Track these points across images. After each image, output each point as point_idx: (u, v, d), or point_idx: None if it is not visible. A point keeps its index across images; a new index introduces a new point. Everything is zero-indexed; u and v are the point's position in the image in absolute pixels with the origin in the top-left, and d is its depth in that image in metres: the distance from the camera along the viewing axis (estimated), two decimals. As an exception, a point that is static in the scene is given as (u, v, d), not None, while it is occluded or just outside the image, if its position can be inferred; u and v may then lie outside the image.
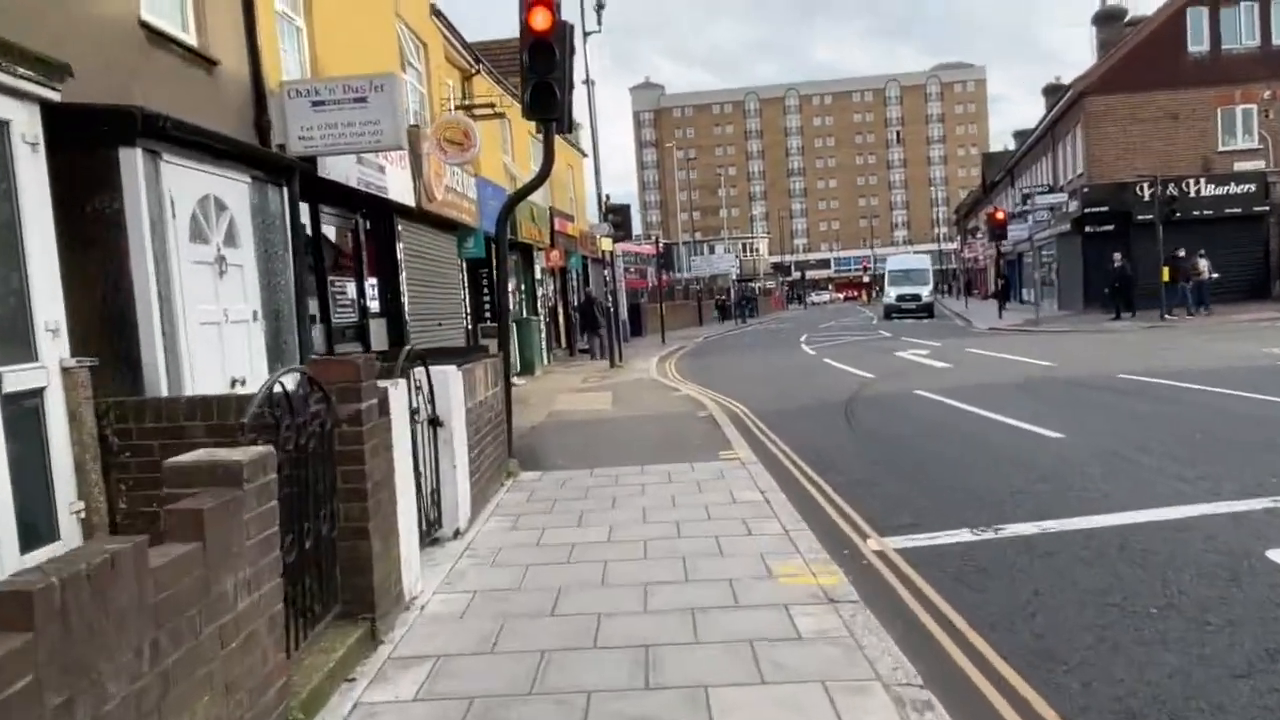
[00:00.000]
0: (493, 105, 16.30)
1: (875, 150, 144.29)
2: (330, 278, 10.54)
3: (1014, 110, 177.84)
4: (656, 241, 36.60)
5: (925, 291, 42.70)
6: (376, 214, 12.19)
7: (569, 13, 9.35)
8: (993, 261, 62.02)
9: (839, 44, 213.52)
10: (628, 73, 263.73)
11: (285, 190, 6.95)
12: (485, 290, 19.03)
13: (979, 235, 69.04)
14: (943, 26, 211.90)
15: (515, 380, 18.36)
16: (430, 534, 6.04)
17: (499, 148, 20.56)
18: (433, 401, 6.13)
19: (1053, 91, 49.71)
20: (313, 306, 10.07)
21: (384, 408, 4.67)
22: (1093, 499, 6.70)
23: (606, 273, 22.80)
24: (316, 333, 10.13)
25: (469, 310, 17.87)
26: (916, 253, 66.16)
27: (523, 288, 22.27)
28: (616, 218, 23.30)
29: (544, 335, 23.01)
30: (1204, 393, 11.47)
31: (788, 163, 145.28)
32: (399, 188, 11.92)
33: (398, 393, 4.94)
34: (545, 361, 22.88)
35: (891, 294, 43.01)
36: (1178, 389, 11.98)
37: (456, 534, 6.32)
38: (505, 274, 9.62)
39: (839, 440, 10.10)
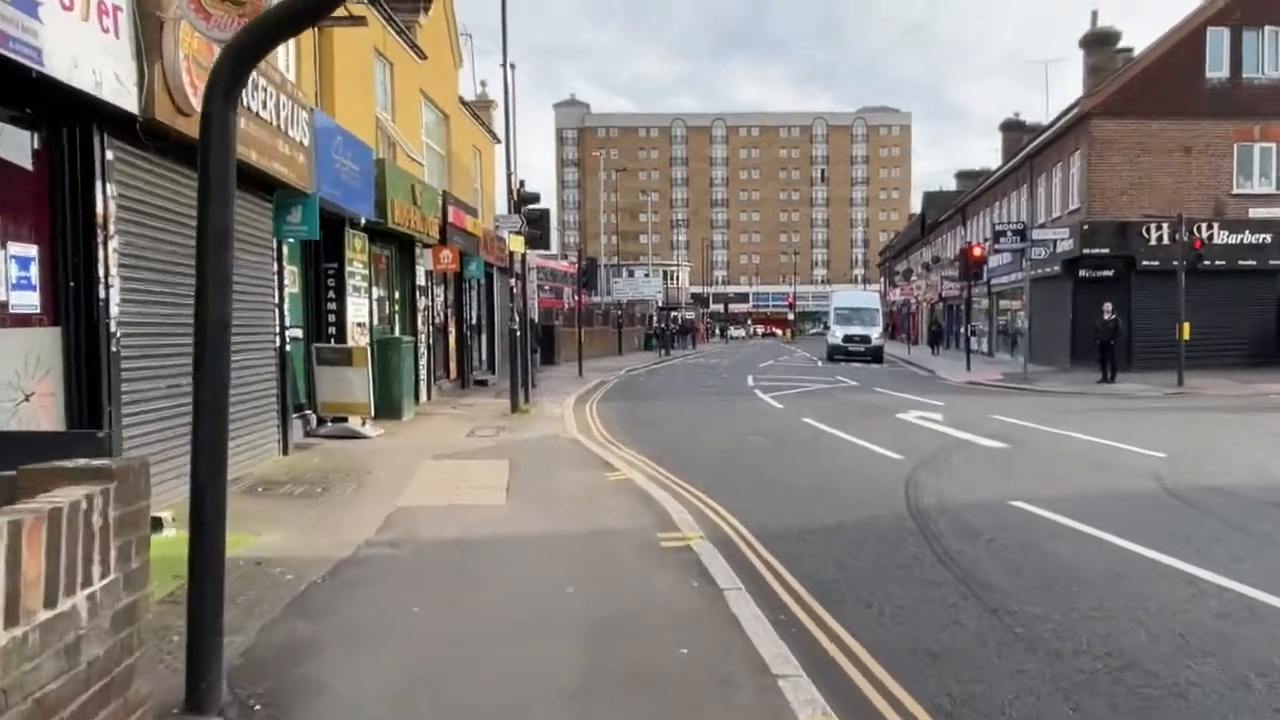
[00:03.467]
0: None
1: (799, 187, 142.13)
2: None
3: (920, 164, 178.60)
4: (579, 256, 30.84)
5: (875, 333, 37.97)
6: (47, 118, 6.12)
7: None
8: (928, 306, 58.51)
9: (760, 86, 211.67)
10: (549, 94, 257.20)
11: None
12: (330, 293, 12.92)
13: (912, 278, 65.70)
14: (858, 79, 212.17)
15: (366, 432, 12.29)
16: None
17: (370, 95, 14.56)
18: None
19: (1012, 128, 46.42)
20: None
21: None
22: None
23: (514, 284, 16.94)
24: None
25: (297, 322, 11.77)
26: (853, 291, 62.19)
27: (398, 296, 16.21)
28: (532, 211, 17.50)
29: (424, 363, 16.96)
30: None
31: (711, 193, 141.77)
32: (85, 63, 5.88)
33: None
34: (425, 397, 16.83)
35: (838, 334, 38.14)
36: None
37: None
38: (223, 236, 3.65)
39: (1043, 693, 4.47)
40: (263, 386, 9.82)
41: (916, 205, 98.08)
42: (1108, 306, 23.31)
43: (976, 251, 29.27)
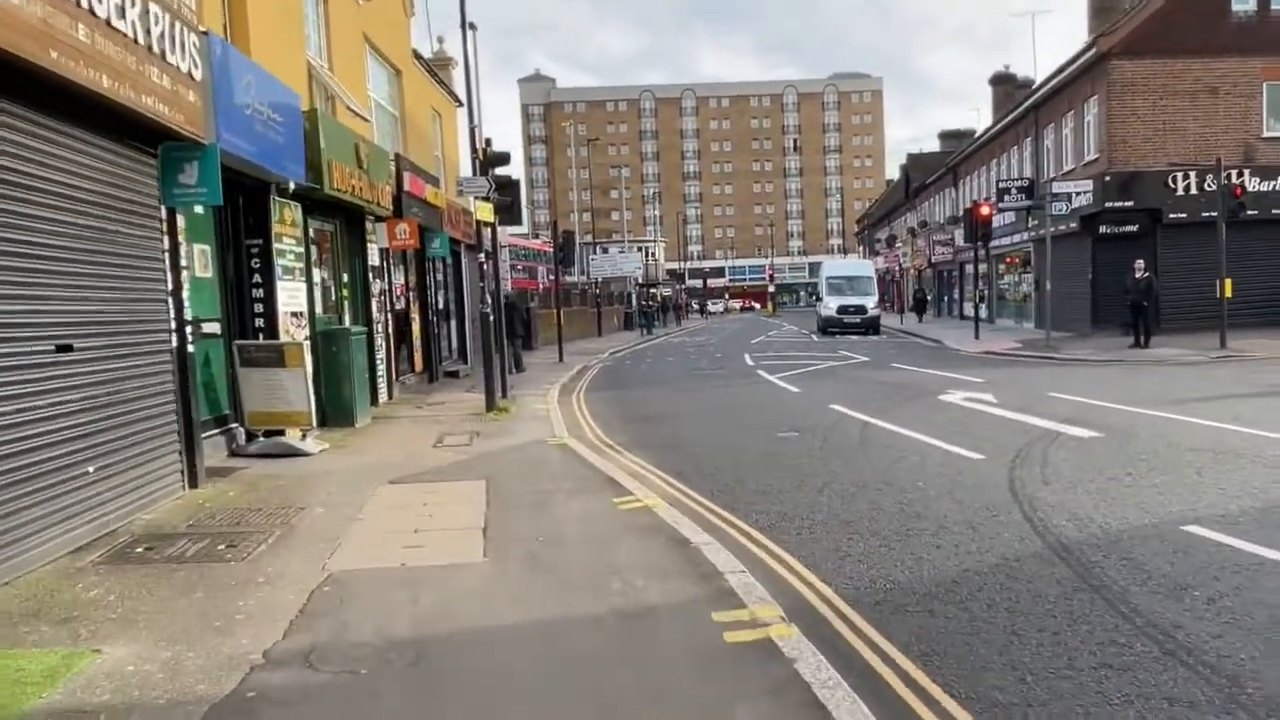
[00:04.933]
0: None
1: (772, 157, 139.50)
2: None
3: (891, 130, 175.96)
4: (553, 230, 28.25)
5: (871, 303, 35.71)
6: None
7: None
8: (914, 273, 56.41)
9: (725, 58, 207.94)
10: (512, 72, 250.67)
11: None
12: (255, 277, 10.40)
13: (897, 245, 63.57)
14: (823, 50, 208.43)
15: (306, 448, 9.80)
16: None
17: (298, 33, 11.97)
18: None
19: (1001, 81, 44.26)
20: None
21: None
22: None
23: (484, 260, 14.42)
24: None
25: (211, 314, 9.26)
26: (844, 260, 60.05)
27: (346, 279, 13.68)
28: (501, 177, 14.99)
29: (382, 356, 14.46)
30: None
31: (683, 166, 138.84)
32: None
33: None
34: (385, 396, 14.36)
35: (831, 305, 35.87)
36: None
37: None
38: None
39: None
40: (151, 402, 7.34)
41: (891, 172, 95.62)
42: (1139, 264, 21.19)
43: (984, 210, 27.04)
